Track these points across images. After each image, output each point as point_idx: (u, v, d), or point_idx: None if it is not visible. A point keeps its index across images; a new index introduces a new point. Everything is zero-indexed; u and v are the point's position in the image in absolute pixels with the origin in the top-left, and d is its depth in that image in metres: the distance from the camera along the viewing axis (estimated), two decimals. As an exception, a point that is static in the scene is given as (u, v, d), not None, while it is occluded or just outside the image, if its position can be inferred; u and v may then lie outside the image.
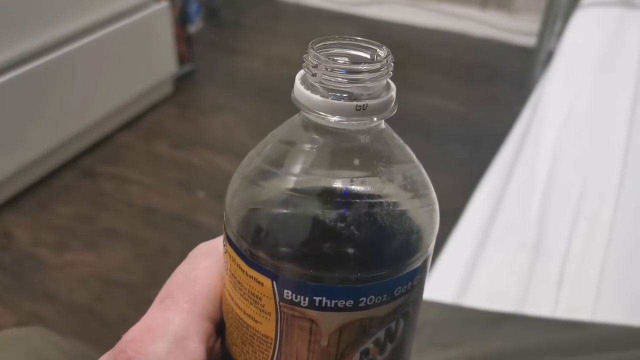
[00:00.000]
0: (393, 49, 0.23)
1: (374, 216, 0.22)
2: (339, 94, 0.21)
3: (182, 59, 1.89)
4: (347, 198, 0.22)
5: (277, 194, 0.22)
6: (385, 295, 0.22)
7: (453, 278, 0.61)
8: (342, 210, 0.22)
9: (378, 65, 0.21)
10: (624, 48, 1.06)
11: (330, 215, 0.22)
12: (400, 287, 0.22)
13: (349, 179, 0.22)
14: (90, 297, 1.21)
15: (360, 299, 0.22)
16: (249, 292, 0.23)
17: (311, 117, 0.22)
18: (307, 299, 0.22)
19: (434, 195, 0.24)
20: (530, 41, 2.06)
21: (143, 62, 1.72)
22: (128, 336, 0.23)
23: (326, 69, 0.21)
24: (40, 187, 1.48)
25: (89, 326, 1.14)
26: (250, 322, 0.23)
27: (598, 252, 0.61)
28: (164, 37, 1.76)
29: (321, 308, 0.22)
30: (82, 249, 1.33)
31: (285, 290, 0.22)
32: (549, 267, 0.60)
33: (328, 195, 0.22)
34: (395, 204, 0.23)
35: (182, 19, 1.90)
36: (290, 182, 0.22)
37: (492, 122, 1.74)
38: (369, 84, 0.21)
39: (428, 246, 0.23)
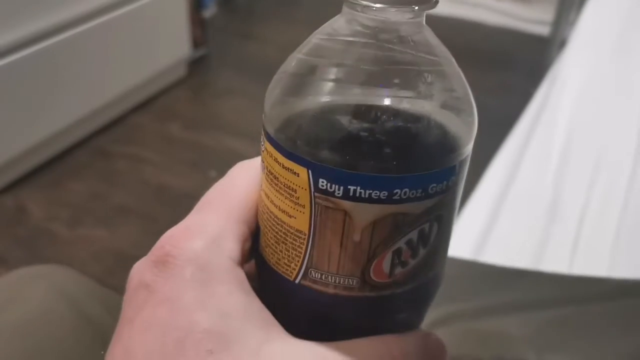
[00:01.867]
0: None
1: (411, 108, 0.22)
2: None
3: (196, 43, 1.90)
4: (387, 89, 0.22)
5: (318, 84, 0.23)
6: (419, 191, 0.22)
7: (469, 241, 0.61)
8: (381, 100, 0.22)
9: None
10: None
11: (369, 103, 0.22)
12: (434, 185, 0.22)
13: (389, 71, 0.22)
14: (103, 271, 1.22)
15: (395, 191, 0.22)
16: (284, 185, 0.23)
17: (355, 4, 0.22)
18: (341, 188, 0.22)
19: (471, 98, 0.24)
20: (544, 30, 2.05)
21: (157, 45, 1.73)
22: (166, 234, 0.23)
23: None
24: (54, 165, 1.50)
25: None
26: (284, 218, 0.23)
27: (613, 216, 0.61)
28: (178, 20, 1.77)
29: (355, 198, 0.22)
30: (95, 224, 1.34)
31: (320, 180, 0.22)
32: (564, 230, 0.60)
33: (368, 86, 0.22)
34: (433, 98, 0.23)
35: (196, 3, 1.90)
36: (331, 72, 0.23)
37: (506, 109, 1.74)
38: None
39: (464, 146, 0.23)
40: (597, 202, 0.64)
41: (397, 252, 0.23)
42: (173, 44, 1.79)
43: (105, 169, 1.51)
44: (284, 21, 2.33)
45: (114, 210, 1.38)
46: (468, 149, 0.24)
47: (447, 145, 0.23)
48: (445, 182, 0.23)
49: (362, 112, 0.22)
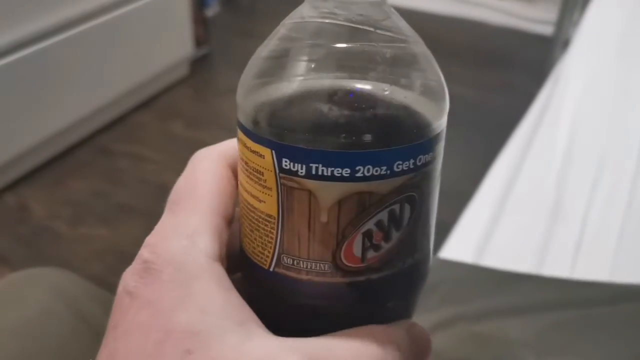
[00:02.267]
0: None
1: (372, 85, 0.22)
2: None
3: (198, 42, 1.90)
4: (347, 67, 0.22)
5: (282, 68, 0.23)
6: (384, 168, 0.22)
7: (470, 242, 0.61)
8: (342, 78, 0.22)
9: None
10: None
11: (330, 82, 0.22)
12: (400, 162, 0.22)
13: (350, 50, 0.22)
14: (105, 269, 1.22)
15: (357, 168, 0.21)
16: (253, 169, 0.23)
17: None
18: (304, 167, 0.21)
19: (440, 77, 0.24)
20: (548, 30, 2.04)
21: (160, 43, 1.73)
22: (145, 241, 0.24)
23: None
24: (56, 163, 1.50)
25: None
26: (256, 203, 0.23)
27: (617, 218, 0.61)
28: (181, 19, 1.77)
29: (318, 177, 0.21)
30: (97, 223, 1.34)
31: (284, 160, 0.22)
32: (567, 232, 0.60)
33: (330, 66, 0.22)
34: (396, 75, 0.23)
35: (199, 2, 1.90)
36: (295, 56, 0.23)
37: (508, 109, 1.73)
38: None
39: (430, 124, 0.23)
40: (600, 204, 0.64)
41: (368, 234, 0.23)
42: (175, 43, 1.79)
43: (107, 167, 1.51)
44: (287, 20, 2.33)
45: (116, 209, 1.38)
46: (437, 127, 0.23)
47: (410, 121, 0.22)
48: (412, 161, 0.22)
49: (322, 90, 0.22)
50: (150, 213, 1.37)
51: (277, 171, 0.22)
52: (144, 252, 0.23)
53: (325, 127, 0.22)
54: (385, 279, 0.24)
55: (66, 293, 0.42)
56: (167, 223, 0.24)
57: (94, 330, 0.40)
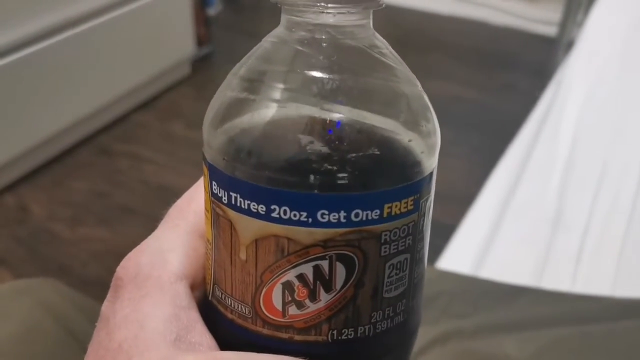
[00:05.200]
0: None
1: (320, 114, 0.20)
2: None
3: (200, 41, 1.89)
4: (294, 91, 0.21)
5: (239, 84, 0.22)
6: (303, 214, 0.19)
7: (470, 250, 0.60)
8: (287, 104, 0.21)
9: None
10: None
11: (270, 109, 0.21)
12: (325, 212, 0.19)
13: (293, 73, 0.21)
14: (104, 271, 1.21)
15: (272, 207, 0.19)
16: (204, 188, 0.22)
17: (287, 7, 0.21)
18: (226, 194, 0.20)
19: (420, 117, 0.21)
20: (551, 30, 2.03)
21: (161, 43, 1.72)
22: (125, 258, 0.23)
23: None
24: (56, 163, 1.49)
25: (102, 300, 1.14)
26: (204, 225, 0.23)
27: (619, 228, 0.60)
28: (182, 18, 1.76)
29: (236, 208, 0.20)
30: (97, 224, 1.34)
31: (213, 182, 0.21)
32: (568, 241, 0.59)
33: (278, 89, 0.21)
34: (342, 113, 0.20)
35: (201, 1, 1.89)
36: (244, 71, 0.22)
37: (511, 110, 1.72)
38: None
39: (375, 175, 0.19)
40: (602, 213, 0.62)
41: (288, 287, 0.20)
42: (177, 42, 1.78)
43: (107, 168, 1.51)
44: (289, 19, 2.32)
45: (116, 210, 1.38)
46: (389, 180, 0.19)
47: (345, 165, 0.19)
48: (343, 214, 0.19)
49: (260, 118, 0.20)
50: (150, 214, 1.37)
51: (210, 193, 0.21)
52: (118, 268, 0.23)
53: (246, 156, 0.20)
54: (313, 346, 0.20)
55: (54, 307, 0.41)
56: (149, 238, 0.24)
57: (82, 346, 0.39)
